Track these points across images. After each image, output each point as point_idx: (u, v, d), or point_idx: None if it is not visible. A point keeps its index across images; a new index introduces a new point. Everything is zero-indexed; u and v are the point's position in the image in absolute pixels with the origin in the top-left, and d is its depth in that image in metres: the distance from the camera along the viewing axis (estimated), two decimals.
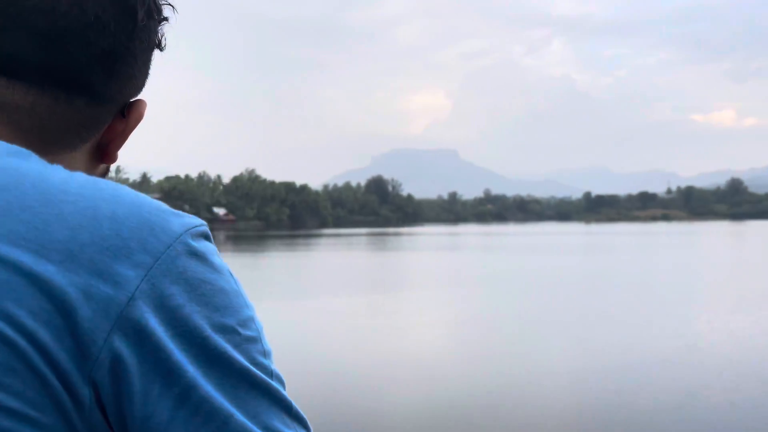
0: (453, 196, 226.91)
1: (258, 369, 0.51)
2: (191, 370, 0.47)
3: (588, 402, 9.43)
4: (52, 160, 0.55)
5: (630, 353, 12.47)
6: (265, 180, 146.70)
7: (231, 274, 0.53)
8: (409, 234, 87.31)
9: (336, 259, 42.36)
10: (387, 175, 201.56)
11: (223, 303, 0.50)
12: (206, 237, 0.53)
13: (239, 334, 0.50)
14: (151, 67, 0.65)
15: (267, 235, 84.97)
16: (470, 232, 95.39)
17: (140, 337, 0.45)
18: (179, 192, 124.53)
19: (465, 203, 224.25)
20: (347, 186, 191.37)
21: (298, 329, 15.84)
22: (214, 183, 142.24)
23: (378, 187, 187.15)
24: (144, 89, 0.66)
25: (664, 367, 11.19)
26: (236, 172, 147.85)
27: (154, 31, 0.63)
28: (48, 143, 0.58)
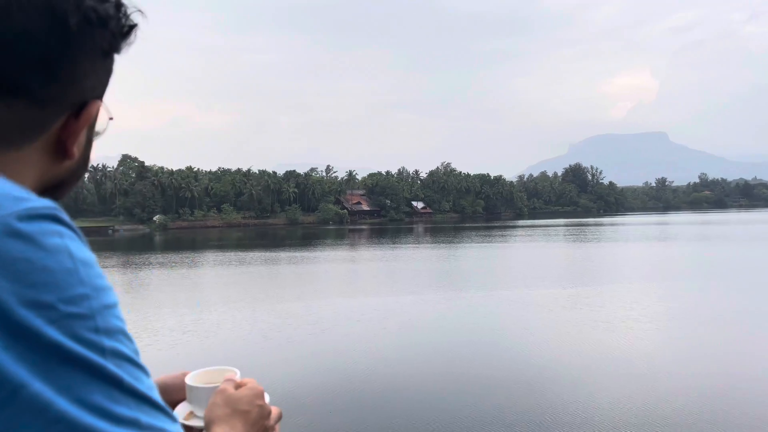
0: (662, 183, 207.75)
1: (80, 344, 0.52)
2: None
3: None
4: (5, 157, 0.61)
5: None
6: (460, 173, 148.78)
7: (70, 255, 0.54)
8: (612, 224, 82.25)
9: (532, 250, 41.73)
10: (586, 163, 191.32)
11: (41, 280, 0.51)
12: (46, 218, 0.54)
13: (57, 310, 0.51)
14: (109, 69, 0.71)
15: (462, 227, 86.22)
16: (683, 221, 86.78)
17: None
18: (381, 188, 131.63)
19: (676, 190, 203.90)
20: (543, 176, 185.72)
21: (494, 320, 16.23)
22: (413, 178, 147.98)
23: (576, 175, 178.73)
24: (106, 90, 0.72)
25: None
26: (433, 167, 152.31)
27: (100, 37, 0.66)
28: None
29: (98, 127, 0.76)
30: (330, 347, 13.31)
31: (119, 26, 0.69)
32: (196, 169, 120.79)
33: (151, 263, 37.92)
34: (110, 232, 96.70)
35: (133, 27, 0.72)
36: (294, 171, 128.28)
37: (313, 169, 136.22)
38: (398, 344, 13.49)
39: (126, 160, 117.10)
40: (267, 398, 0.97)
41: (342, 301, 19.82)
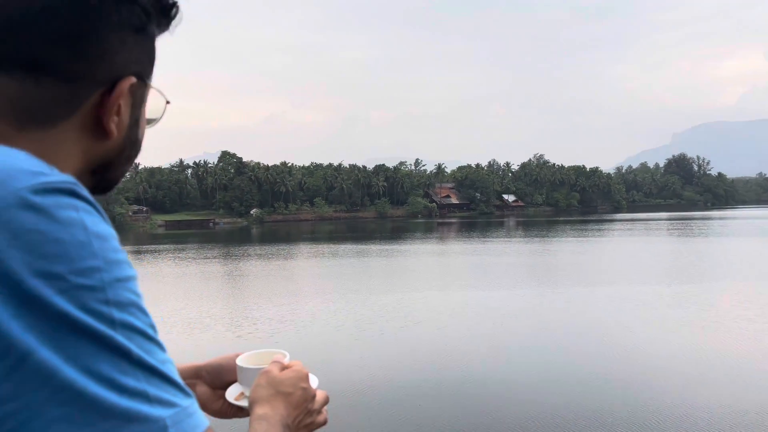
0: None
1: (89, 315, 0.53)
2: (1, 311, 0.49)
3: None
4: (33, 137, 0.63)
5: None
6: (553, 165, 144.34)
7: (84, 228, 0.55)
8: (722, 218, 76.79)
9: (633, 245, 39.69)
10: (691, 153, 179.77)
11: (53, 252, 0.52)
12: (62, 192, 0.55)
13: (67, 280, 0.52)
14: (146, 47, 0.72)
15: (556, 221, 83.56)
16: None
17: None
18: (470, 180, 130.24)
19: None
20: (643, 167, 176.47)
21: (592, 317, 15.55)
22: (503, 170, 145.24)
23: (680, 166, 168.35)
24: (154, 68, 0.74)
25: None
26: (524, 159, 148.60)
27: (128, 12, 0.67)
28: (23, 121, 0.63)
29: (152, 113, 0.78)
30: (422, 340, 13.30)
31: (151, 2, 0.70)
32: (290, 165, 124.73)
33: (249, 255, 39.58)
34: (211, 224, 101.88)
35: (171, 4, 0.73)
36: (383, 165, 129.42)
37: (402, 163, 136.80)
38: (490, 340, 13.26)
39: (225, 156, 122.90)
40: (314, 382, 0.97)
41: (433, 294, 19.75)
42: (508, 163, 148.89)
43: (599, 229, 59.17)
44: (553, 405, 8.86)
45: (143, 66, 0.72)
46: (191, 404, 0.58)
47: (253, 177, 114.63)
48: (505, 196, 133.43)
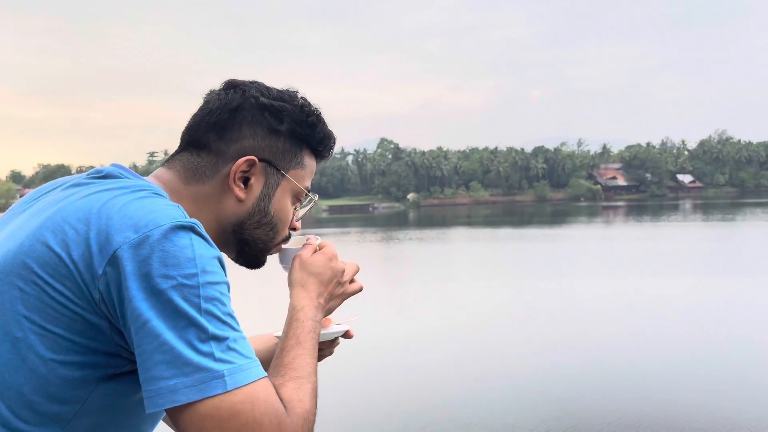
0: None
1: (186, 303, 0.79)
2: (137, 293, 0.79)
3: None
4: (192, 189, 1.00)
5: None
6: (738, 141, 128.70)
7: (193, 250, 0.82)
8: None
9: None
10: None
11: (172, 263, 0.80)
12: (184, 228, 0.84)
13: (177, 281, 0.80)
14: (277, 144, 1.03)
15: (743, 203, 74.58)
16: None
17: (118, 269, 0.80)
18: (640, 160, 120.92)
19: None
20: None
21: None
22: (678, 149, 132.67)
23: None
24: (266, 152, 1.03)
25: None
26: (704, 135, 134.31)
27: (261, 117, 1.01)
28: (188, 179, 1.00)
29: (301, 206, 1.13)
30: (593, 333, 12.32)
31: (293, 116, 1.02)
32: (445, 149, 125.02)
33: (410, 238, 40.18)
34: (370, 209, 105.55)
35: (327, 145, 1.11)
36: (542, 146, 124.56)
37: (563, 144, 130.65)
38: (670, 334, 11.90)
39: (383, 142, 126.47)
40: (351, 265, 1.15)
41: (604, 283, 18.38)
42: (683, 141, 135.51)
43: None
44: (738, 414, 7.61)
45: (273, 156, 1.02)
46: (247, 364, 0.81)
47: (409, 162, 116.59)
48: (680, 177, 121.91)
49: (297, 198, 1.09)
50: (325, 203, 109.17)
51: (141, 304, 0.79)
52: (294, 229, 1.13)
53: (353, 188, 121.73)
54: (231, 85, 1.04)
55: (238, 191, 1.00)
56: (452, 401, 8.68)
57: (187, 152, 1.02)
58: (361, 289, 1.16)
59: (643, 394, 8.65)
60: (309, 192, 1.11)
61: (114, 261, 0.80)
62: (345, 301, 1.16)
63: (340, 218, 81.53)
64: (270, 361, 0.99)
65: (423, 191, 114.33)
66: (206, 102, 1.03)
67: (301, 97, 1.05)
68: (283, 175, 1.04)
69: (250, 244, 1.05)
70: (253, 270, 1.12)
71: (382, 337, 12.47)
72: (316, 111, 1.06)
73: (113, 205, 0.85)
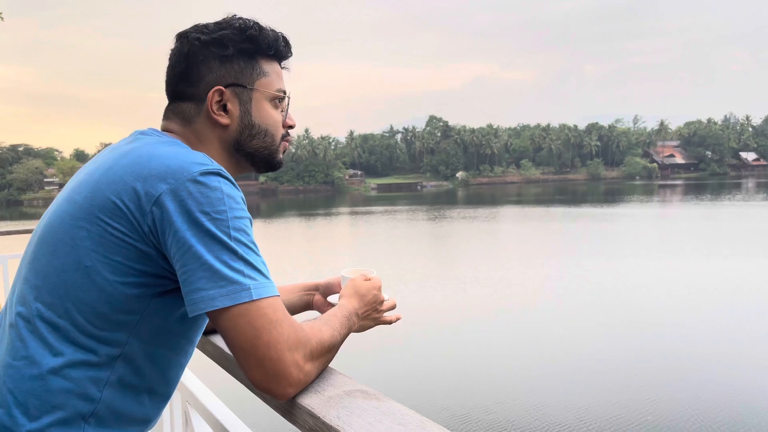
0: None
1: (220, 231, 0.97)
2: (181, 226, 0.97)
3: None
4: (191, 128, 1.19)
5: None
6: None
7: (222, 192, 1.00)
8: None
9: None
10: None
11: (206, 201, 0.98)
12: (212, 173, 1.01)
13: (211, 215, 0.97)
14: (233, 65, 1.17)
15: None
16: None
17: (162, 209, 0.98)
18: (700, 137, 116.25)
19: None
20: None
21: None
22: (742, 125, 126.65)
23: None
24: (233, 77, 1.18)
25: None
26: None
27: (209, 50, 1.16)
28: (185, 123, 1.19)
29: (269, 97, 1.22)
30: (657, 318, 12.10)
31: (234, 38, 1.16)
32: (495, 126, 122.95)
33: (456, 217, 39.98)
34: (419, 187, 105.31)
35: (248, 38, 1.18)
36: (596, 123, 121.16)
37: (618, 120, 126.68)
38: (739, 317, 11.56)
39: (432, 120, 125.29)
40: (388, 296, 1.37)
41: (659, 264, 17.92)
42: (748, 117, 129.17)
43: None
44: None
45: (235, 78, 1.17)
46: (268, 282, 0.99)
47: (458, 140, 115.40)
48: (743, 155, 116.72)
49: (276, 102, 1.23)
50: (374, 181, 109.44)
51: (185, 234, 0.96)
52: (291, 126, 1.27)
53: (402, 166, 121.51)
54: (178, 38, 1.19)
55: (221, 119, 1.17)
56: (512, 381, 8.72)
57: (173, 104, 1.20)
58: (391, 323, 1.39)
59: (713, 378, 8.47)
60: (285, 92, 1.24)
61: (158, 202, 0.98)
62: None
63: (388, 196, 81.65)
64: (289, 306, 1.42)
65: (472, 169, 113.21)
66: (169, 59, 1.20)
67: (239, 19, 1.19)
68: (252, 90, 1.19)
69: (254, 154, 1.22)
70: (275, 171, 1.30)
71: (446, 315, 12.55)
72: (254, 24, 1.18)
73: (152, 157, 1.03)
